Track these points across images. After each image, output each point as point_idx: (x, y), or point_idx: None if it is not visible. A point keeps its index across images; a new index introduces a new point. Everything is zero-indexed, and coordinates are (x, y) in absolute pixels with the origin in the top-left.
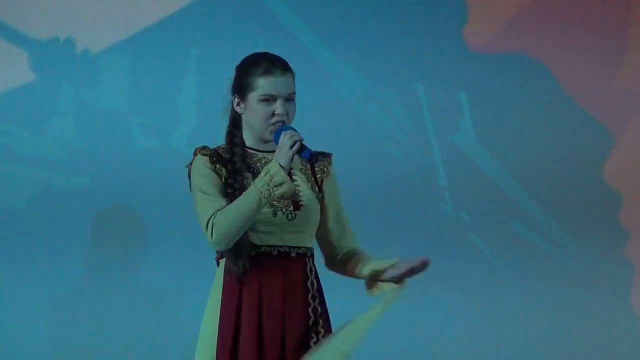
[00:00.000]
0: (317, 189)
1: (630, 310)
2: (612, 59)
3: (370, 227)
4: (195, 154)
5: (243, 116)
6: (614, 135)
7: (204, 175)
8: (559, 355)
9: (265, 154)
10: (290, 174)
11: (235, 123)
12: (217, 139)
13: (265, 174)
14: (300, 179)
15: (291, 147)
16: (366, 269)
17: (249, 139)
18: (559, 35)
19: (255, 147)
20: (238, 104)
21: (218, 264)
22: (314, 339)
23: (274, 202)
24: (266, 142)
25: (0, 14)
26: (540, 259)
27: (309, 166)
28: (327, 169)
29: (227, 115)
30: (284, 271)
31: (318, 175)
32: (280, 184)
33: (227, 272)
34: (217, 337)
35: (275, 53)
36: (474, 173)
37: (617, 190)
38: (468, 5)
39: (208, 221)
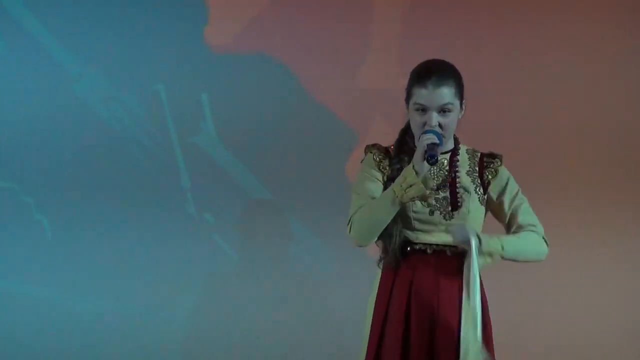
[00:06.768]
0: (482, 190)
1: None
2: (354, 59)
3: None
4: (365, 152)
5: None
6: (357, 133)
7: (365, 176)
8: None
9: None
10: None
11: (408, 127)
12: None
13: (401, 176)
14: (466, 181)
15: (424, 150)
16: None
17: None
18: (300, 35)
19: None
20: (407, 109)
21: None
22: None
23: (431, 201)
24: None
25: None
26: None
27: (477, 168)
28: (496, 170)
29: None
30: (436, 268)
31: (484, 177)
32: (411, 186)
33: (385, 267)
34: (372, 321)
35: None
36: (216, 173)
37: None
38: (208, 5)
39: (350, 219)
